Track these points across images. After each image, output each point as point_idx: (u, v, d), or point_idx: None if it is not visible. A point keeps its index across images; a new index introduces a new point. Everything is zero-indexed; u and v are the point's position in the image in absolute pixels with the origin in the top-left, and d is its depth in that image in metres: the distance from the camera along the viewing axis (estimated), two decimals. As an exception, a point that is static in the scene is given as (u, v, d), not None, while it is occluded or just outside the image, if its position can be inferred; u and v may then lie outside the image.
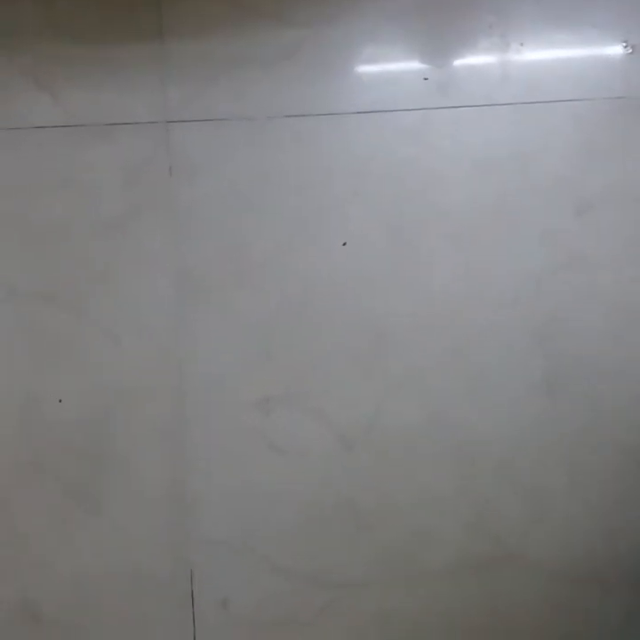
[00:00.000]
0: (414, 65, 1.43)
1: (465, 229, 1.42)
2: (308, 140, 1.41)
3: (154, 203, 1.39)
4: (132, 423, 1.39)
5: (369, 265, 1.41)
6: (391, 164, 1.42)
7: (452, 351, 1.42)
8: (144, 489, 1.39)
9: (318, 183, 1.41)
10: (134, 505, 1.39)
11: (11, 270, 1.38)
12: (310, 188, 1.41)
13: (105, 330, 1.39)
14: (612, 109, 1.44)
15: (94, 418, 1.39)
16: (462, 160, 1.42)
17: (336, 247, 1.41)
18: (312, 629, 1.42)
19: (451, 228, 1.42)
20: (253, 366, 1.40)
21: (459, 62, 1.44)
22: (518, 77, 1.43)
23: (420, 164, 1.42)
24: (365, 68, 1.43)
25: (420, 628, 1.42)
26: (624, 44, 1.45)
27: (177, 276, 1.39)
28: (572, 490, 1.42)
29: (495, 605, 1.42)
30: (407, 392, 1.41)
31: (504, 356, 1.42)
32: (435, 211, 1.42)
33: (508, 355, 1.42)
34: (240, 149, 1.40)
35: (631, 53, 1.44)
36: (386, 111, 1.42)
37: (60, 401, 1.38)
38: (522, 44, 1.44)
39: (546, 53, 1.45)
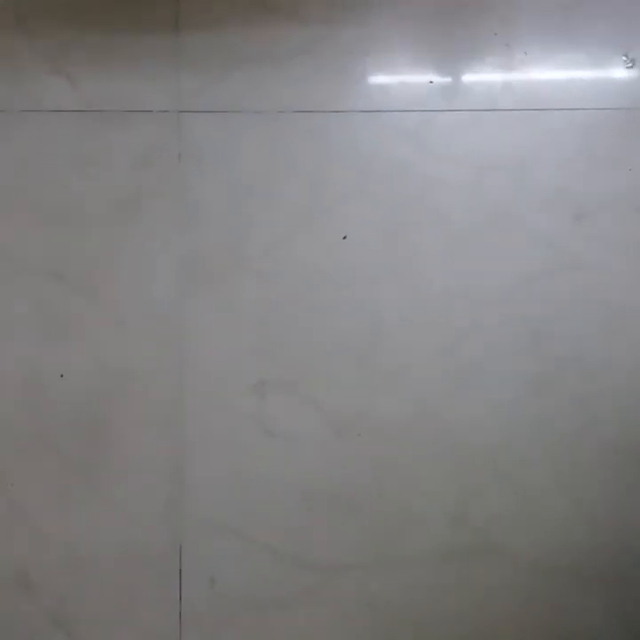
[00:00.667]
0: (420, 68, 1.48)
1: (461, 230, 1.46)
2: (315, 135, 1.45)
3: (162, 189, 1.44)
4: (131, 403, 1.43)
5: (367, 259, 1.45)
6: (394, 163, 1.46)
7: (444, 347, 1.45)
8: (140, 467, 1.42)
9: (323, 178, 1.45)
10: (130, 482, 1.42)
11: (22, 247, 1.42)
12: (315, 182, 1.45)
13: (110, 310, 1.43)
14: (612, 119, 1.48)
15: (96, 396, 1.42)
16: (462, 162, 1.46)
17: (337, 240, 1.45)
18: (297, 610, 1.44)
19: (447, 228, 1.46)
20: (251, 353, 1.44)
21: (464, 68, 1.48)
22: (521, 85, 1.48)
23: (421, 165, 1.46)
24: (373, 69, 1.47)
25: (403, 612, 1.45)
26: (624, 58, 1.49)
27: (181, 261, 1.43)
28: (555, 485, 1.45)
29: (476, 594, 1.45)
30: (399, 384, 1.45)
31: (495, 355, 1.46)
32: (433, 211, 1.46)
33: (498, 353, 1.45)
34: (248, 141, 1.44)
35: (631, 67, 1.49)
36: (391, 111, 1.46)
37: (62, 376, 1.42)
38: (526, 53, 1.48)
39: (549, 63, 1.49)
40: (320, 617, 1.45)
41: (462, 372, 1.45)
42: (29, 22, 1.44)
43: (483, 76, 1.48)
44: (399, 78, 1.48)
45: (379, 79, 1.48)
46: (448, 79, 1.48)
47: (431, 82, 1.47)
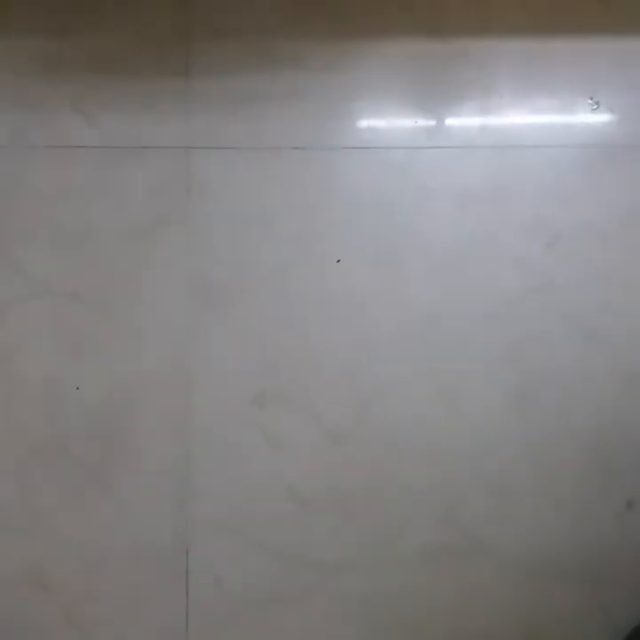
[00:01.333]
0: (407, 110, 1.60)
1: (445, 255, 1.57)
2: (311, 170, 1.58)
3: (172, 219, 1.55)
4: (142, 413, 1.52)
5: (359, 281, 1.56)
6: (382, 194, 1.58)
7: (430, 361, 1.56)
8: (150, 472, 1.52)
9: (317, 208, 1.57)
10: (140, 485, 1.52)
11: (43, 270, 1.53)
12: (310, 211, 1.57)
13: (123, 328, 1.53)
14: (581, 155, 1.61)
15: (109, 407, 1.52)
16: (445, 194, 1.58)
17: (331, 264, 1.57)
18: (298, 607, 1.53)
19: (432, 253, 1.57)
20: (253, 367, 1.54)
21: (446, 109, 1.61)
22: (497, 124, 1.61)
23: (408, 196, 1.58)
24: (364, 111, 1.60)
25: (396, 609, 1.53)
26: (590, 101, 1.63)
27: (189, 283, 1.54)
28: (538, 489, 1.55)
29: (463, 592, 1.54)
30: (389, 395, 1.55)
31: (478, 369, 1.57)
32: (418, 238, 1.57)
33: (481, 367, 1.56)
34: (250, 175, 1.56)
35: (596, 108, 1.63)
36: (380, 148, 1.59)
37: (78, 388, 1.51)
38: (501, 97, 1.61)
39: (522, 105, 1.62)
40: (321, 614, 1.53)
41: (448, 385, 1.56)
42: (55, 69, 1.56)
43: (463, 117, 1.61)
44: (387, 119, 1.61)
45: (369, 119, 1.61)
46: (432, 119, 1.61)
47: (416, 122, 1.60)
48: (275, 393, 1.54)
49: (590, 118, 1.64)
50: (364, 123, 1.61)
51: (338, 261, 1.57)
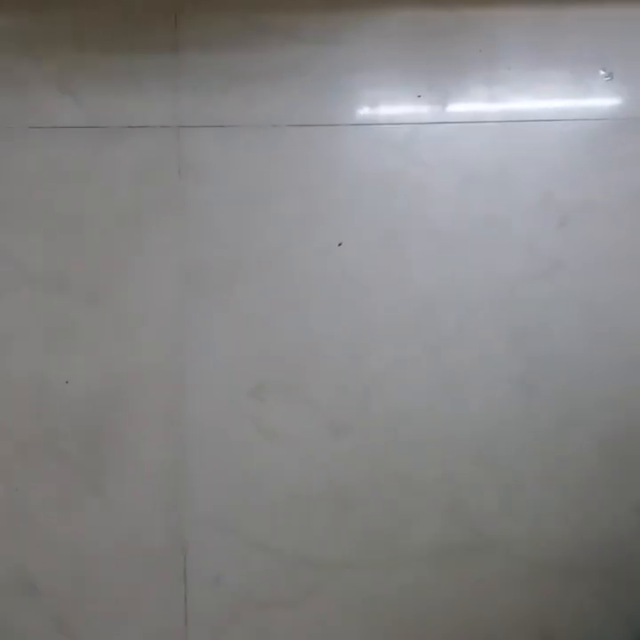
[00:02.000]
0: (409, 84, 1.54)
1: (449, 236, 1.51)
2: (309, 148, 1.51)
3: (163, 201, 1.49)
4: (134, 407, 1.47)
5: (361, 264, 1.50)
6: (384, 173, 1.51)
7: (433, 348, 1.50)
8: (144, 469, 1.46)
9: (317, 188, 1.51)
10: (134, 483, 1.46)
11: (29, 257, 1.46)
12: (309, 192, 1.51)
13: (113, 318, 1.47)
14: (593, 129, 1.54)
15: (100, 401, 1.46)
16: (449, 172, 1.52)
17: (332, 247, 1.51)
18: (299, 608, 1.48)
19: (436, 235, 1.51)
20: (250, 358, 1.48)
21: (450, 83, 1.54)
22: (505, 98, 1.54)
23: (410, 175, 1.52)
24: (364, 84, 1.53)
25: (400, 609, 1.49)
26: (602, 72, 1.56)
27: (182, 269, 1.48)
28: (545, 481, 1.50)
29: (471, 589, 1.49)
30: (391, 385, 1.49)
31: (482, 355, 1.50)
32: (421, 218, 1.51)
33: (486, 353, 1.50)
34: (245, 155, 1.50)
35: (609, 80, 1.56)
36: (381, 124, 1.52)
37: (67, 382, 1.46)
38: (509, 68, 1.54)
39: (531, 77, 1.55)
40: (321, 614, 1.48)
41: (451, 373, 1.50)
42: (37, 47, 1.50)
43: (468, 91, 1.55)
44: (388, 93, 1.54)
45: (369, 94, 1.54)
46: (435, 94, 1.54)
47: (419, 96, 1.54)
48: (274, 382, 1.48)
49: (603, 90, 1.56)
50: (363, 98, 1.53)
51: (339, 244, 1.50)
